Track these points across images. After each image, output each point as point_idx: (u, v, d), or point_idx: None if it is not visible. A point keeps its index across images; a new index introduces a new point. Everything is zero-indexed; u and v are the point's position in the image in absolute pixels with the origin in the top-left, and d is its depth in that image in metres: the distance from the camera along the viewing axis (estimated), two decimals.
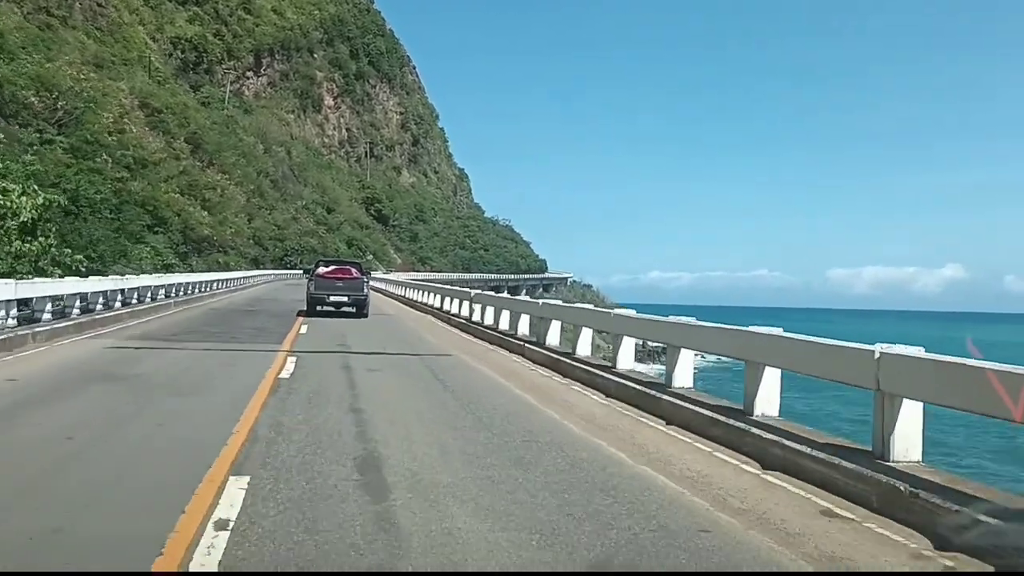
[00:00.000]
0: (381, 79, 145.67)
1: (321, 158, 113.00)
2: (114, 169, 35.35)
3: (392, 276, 56.59)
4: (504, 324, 18.20)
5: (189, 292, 29.58)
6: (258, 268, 62.48)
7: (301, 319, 21.81)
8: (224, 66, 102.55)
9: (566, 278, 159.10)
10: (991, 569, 4.38)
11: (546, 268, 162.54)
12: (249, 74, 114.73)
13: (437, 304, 26.76)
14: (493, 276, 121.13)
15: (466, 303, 22.32)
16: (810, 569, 4.39)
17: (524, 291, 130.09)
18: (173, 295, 26.94)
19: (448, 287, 29.68)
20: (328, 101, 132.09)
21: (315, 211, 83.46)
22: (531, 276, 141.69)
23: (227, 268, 41.23)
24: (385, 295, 40.23)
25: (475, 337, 18.81)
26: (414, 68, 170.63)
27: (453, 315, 23.42)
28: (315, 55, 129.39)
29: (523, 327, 16.50)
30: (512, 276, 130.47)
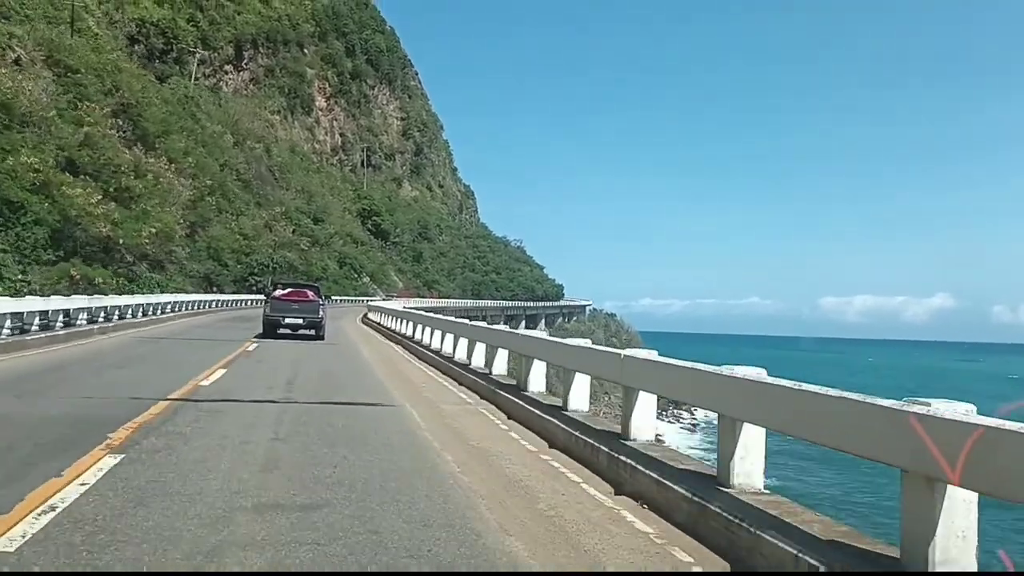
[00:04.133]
0: (380, 80, 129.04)
1: (310, 163, 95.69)
2: None
3: (396, 305, 38.70)
4: None
5: None
6: (211, 290, 44.83)
7: None
8: (197, 51, 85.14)
9: (584, 306, 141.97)
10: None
11: (562, 295, 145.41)
12: (228, 68, 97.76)
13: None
14: (511, 304, 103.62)
15: None
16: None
17: (543, 320, 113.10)
18: None
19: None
20: (320, 102, 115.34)
21: (298, 220, 65.76)
22: (550, 304, 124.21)
23: (87, 288, 23.48)
24: (405, 346, 21.67)
25: None
26: (416, 74, 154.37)
27: None
28: (305, 50, 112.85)
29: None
30: (531, 304, 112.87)
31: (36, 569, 3.94)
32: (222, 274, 47.18)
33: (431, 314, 21.76)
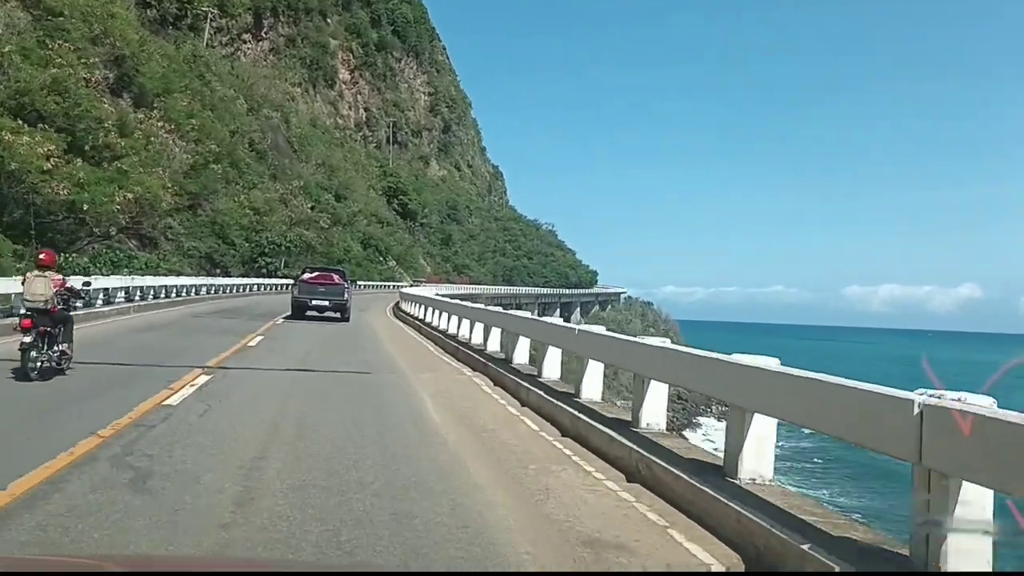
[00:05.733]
0: (407, 52, 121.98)
1: (332, 137, 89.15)
2: None
3: (427, 292, 32.13)
4: None
5: None
6: (214, 273, 38.50)
7: None
8: (211, 11, 78.27)
9: (619, 294, 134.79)
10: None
11: (595, 281, 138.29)
12: (246, 36, 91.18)
13: None
14: (545, 291, 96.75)
15: None
16: None
17: (578, 308, 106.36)
18: None
19: None
20: (343, 74, 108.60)
21: (318, 196, 59.22)
22: (585, 291, 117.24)
23: None
24: (495, 379, 12.30)
25: None
26: (444, 48, 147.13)
27: None
28: (328, 19, 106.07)
29: None
30: (566, 291, 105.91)
31: None
32: (228, 254, 40.69)
33: (554, 321, 12.80)
